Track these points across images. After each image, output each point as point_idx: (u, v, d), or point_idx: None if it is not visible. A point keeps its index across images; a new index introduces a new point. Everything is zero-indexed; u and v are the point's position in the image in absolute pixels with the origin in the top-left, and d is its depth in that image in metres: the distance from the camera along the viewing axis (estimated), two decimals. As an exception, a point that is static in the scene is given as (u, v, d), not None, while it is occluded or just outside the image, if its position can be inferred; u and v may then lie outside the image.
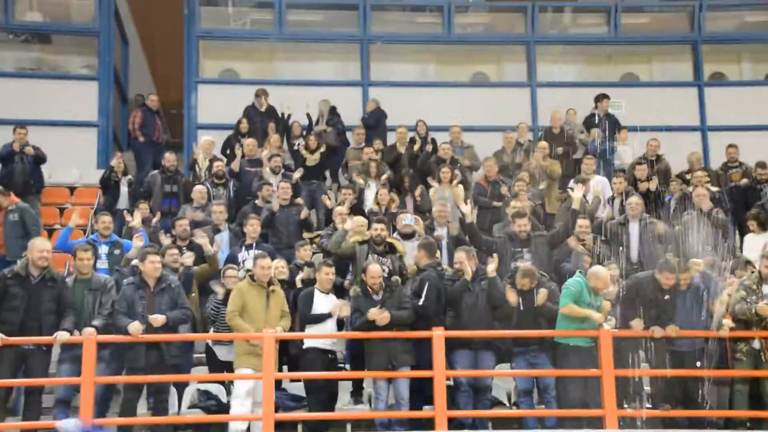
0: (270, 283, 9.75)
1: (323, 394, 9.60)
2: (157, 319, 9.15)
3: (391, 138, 15.16)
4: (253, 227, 11.71)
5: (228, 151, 14.76)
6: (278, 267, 10.43)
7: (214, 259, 11.07)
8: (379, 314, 8.50)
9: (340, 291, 10.71)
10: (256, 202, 13.01)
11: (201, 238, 11.19)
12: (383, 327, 9.38)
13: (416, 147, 14.71)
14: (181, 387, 10.11)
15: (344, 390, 10.41)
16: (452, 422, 9.24)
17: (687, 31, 18.35)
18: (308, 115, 15.31)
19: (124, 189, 13.72)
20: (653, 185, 13.61)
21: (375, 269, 9.78)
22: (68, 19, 17.59)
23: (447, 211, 12.25)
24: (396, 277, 10.47)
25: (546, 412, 9.86)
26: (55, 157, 14.59)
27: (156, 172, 13.86)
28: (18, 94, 15.93)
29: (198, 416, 9.86)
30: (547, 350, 9.88)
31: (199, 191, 12.76)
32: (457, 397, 9.54)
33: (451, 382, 9.64)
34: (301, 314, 9.99)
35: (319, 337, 9.82)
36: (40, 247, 9.44)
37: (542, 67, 17.85)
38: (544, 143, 14.52)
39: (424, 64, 18.50)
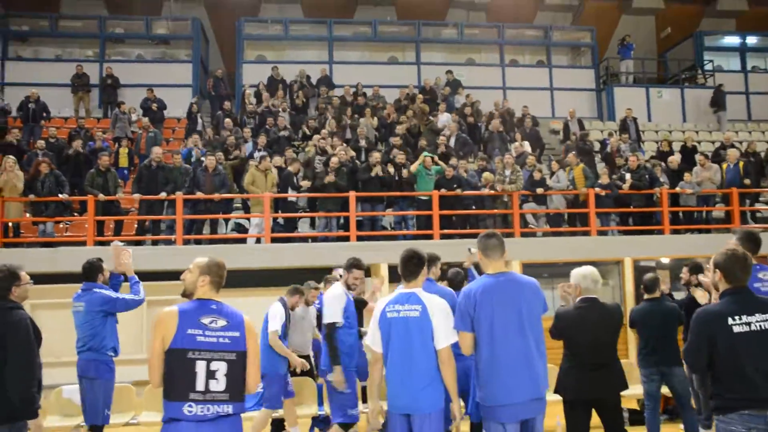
0: (266, 168, 11.36)
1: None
2: (215, 194, 11.03)
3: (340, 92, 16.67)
4: (261, 140, 13.33)
5: (256, 99, 16.07)
6: (276, 160, 12.03)
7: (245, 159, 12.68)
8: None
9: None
10: (267, 126, 14.41)
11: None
12: (325, 190, 11.11)
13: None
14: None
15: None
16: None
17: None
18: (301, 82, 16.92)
19: (199, 120, 15.66)
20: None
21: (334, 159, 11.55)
22: (179, 31, 19.20)
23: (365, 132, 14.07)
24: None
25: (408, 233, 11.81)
26: (170, 103, 16.54)
27: (219, 112, 15.29)
28: (152, 71, 17.81)
29: (234, 234, 11.86)
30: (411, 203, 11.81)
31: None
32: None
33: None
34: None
35: (290, 196, 11.54)
36: (157, 151, 11.42)
37: (424, 54, 19.76)
38: (420, 96, 16.49)
39: (362, 51, 20.10)
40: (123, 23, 19.13)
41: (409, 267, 4.30)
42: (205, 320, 3.45)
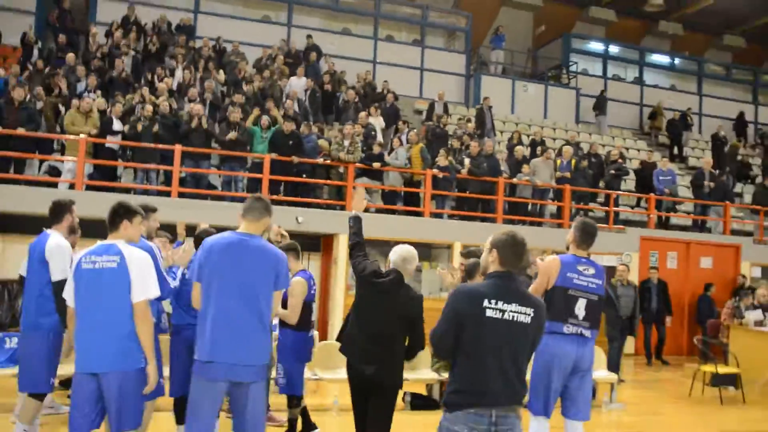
0: (87, 110, 10.61)
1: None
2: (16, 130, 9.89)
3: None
4: (91, 81, 12.22)
5: (107, 39, 14.71)
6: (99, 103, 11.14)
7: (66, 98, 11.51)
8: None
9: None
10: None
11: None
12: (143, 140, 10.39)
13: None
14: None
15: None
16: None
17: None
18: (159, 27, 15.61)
19: (35, 52, 14.20)
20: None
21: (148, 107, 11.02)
22: None
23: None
24: None
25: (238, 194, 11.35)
26: (10, 30, 14.93)
27: (53, 45, 14.38)
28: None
29: (41, 177, 10.82)
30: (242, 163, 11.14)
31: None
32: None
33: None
34: None
35: (100, 141, 10.61)
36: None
37: (300, 18, 18.64)
38: (282, 57, 15.66)
39: (234, 5, 18.53)
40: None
41: (112, 218, 4.11)
42: None
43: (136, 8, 16.37)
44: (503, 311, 3.19)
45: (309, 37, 17.20)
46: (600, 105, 19.75)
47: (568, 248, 4.99)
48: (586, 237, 4.79)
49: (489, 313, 3.17)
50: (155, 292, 3.99)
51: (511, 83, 19.84)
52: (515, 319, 3.20)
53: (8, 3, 15.98)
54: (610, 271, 12.82)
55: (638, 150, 18.43)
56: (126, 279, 3.87)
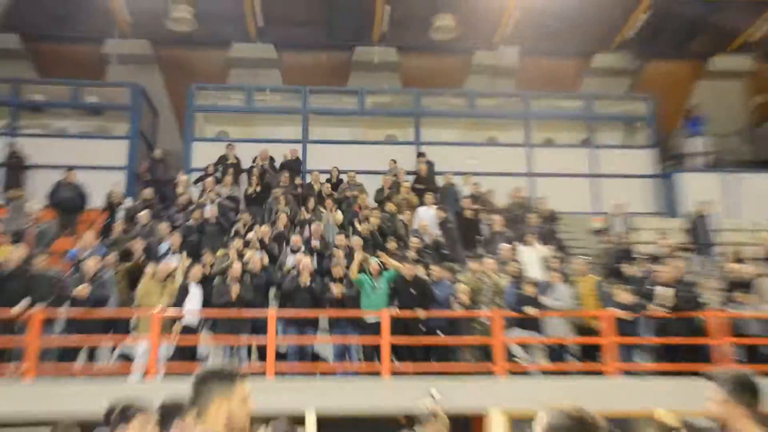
0: (164, 277, 10.99)
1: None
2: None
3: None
4: (174, 240, 12.73)
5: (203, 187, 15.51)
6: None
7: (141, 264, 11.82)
8: None
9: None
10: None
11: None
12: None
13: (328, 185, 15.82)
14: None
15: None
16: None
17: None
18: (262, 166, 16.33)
19: (120, 214, 14.80)
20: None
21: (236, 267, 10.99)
22: (116, 100, 19.02)
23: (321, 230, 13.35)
24: None
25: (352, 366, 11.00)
26: (99, 189, 15.83)
27: (137, 203, 14.95)
28: (78, 148, 17.67)
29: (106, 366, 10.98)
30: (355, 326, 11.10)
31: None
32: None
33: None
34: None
35: (172, 316, 10.59)
36: (16, 254, 10.95)
37: (433, 132, 19.21)
38: (407, 184, 16.03)
39: (351, 127, 19.66)
40: (46, 89, 19.18)
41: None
42: None
43: (236, 146, 17.26)
44: None
45: (421, 155, 17.20)
46: None
47: (723, 428, 3.68)
48: (752, 395, 3.53)
49: None
50: None
51: (721, 177, 18.53)
52: None
53: (100, 160, 17.55)
54: None
55: None
56: None
